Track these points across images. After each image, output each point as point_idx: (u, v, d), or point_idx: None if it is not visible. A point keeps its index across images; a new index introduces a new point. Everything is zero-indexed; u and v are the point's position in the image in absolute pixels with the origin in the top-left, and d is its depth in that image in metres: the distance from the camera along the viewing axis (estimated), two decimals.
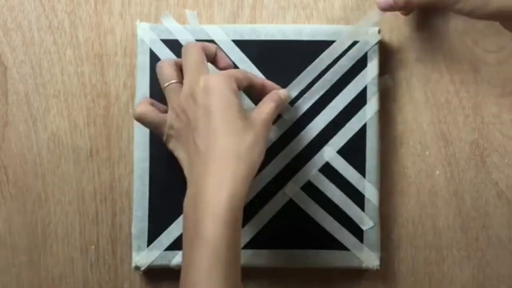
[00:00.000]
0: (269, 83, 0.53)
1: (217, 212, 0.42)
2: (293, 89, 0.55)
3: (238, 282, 0.44)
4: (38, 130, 0.57)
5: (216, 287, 0.42)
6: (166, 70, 0.49)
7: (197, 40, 0.55)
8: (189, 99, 0.46)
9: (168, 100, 0.49)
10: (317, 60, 0.55)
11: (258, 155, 0.45)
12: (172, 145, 0.49)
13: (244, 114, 0.46)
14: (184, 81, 0.48)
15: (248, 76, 0.50)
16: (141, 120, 0.50)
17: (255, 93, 0.52)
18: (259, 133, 0.46)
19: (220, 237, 0.42)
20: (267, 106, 0.48)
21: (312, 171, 0.55)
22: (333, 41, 0.55)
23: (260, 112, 0.48)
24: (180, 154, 0.48)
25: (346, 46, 0.55)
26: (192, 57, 0.48)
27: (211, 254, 0.42)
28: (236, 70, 0.51)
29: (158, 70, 0.50)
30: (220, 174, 0.43)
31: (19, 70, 0.57)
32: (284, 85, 0.54)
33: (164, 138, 0.49)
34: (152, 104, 0.51)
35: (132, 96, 0.56)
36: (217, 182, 0.43)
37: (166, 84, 0.49)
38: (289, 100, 0.54)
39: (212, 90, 0.45)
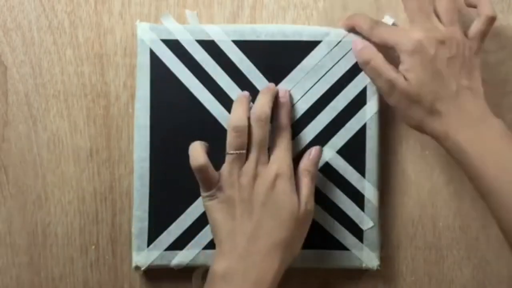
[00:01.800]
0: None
1: None
2: (294, 87, 0.55)
3: None
4: (38, 130, 0.57)
5: None
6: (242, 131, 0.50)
7: (196, 41, 0.55)
8: (252, 179, 0.49)
9: (227, 165, 0.50)
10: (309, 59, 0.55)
11: (297, 248, 0.50)
12: (212, 205, 0.50)
13: (295, 217, 0.49)
14: (251, 156, 0.50)
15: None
16: (200, 172, 0.49)
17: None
18: (301, 225, 0.50)
19: None
20: (304, 189, 0.51)
21: None
22: (332, 42, 0.55)
23: (301, 200, 0.50)
24: (218, 216, 0.49)
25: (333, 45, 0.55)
26: (258, 133, 0.50)
27: None
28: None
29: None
30: (260, 268, 0.47)
31: (19, 70, 0.57)
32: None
33: (207, 194, 0.50)
34: (206, 152, 0.50)
35: (132, 96, 0.56)
36: (255, 275, 0.47)
37: (232, 152, 0.50)
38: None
39: (277, 190, 0.49)
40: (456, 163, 0.51)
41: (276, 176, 0.49)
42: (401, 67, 0.50)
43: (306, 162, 0.52)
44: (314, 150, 0.53)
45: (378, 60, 0.52)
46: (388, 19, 0.56)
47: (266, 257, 0.47)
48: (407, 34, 0.50)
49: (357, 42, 0.54)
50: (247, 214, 0.48)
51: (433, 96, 0.50)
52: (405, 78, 0.50)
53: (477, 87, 0.51)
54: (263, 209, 0.48)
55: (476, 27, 0.51)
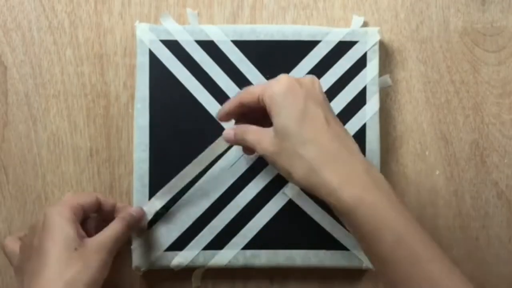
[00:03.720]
0: (120, 205, 0.53)
1: None
2: None
3: None
4: (38, 130, 0.57)
5: None
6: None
7: (196, 41, 0.55)
8: (30, 235, 0.49)
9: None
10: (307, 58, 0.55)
11: (85, 283, 0.46)
12: (17, 278, 0.49)
13: (76, 244, 0.47)
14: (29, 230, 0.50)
15: (95, 201, 0.51)
16: (4, 251, 0.51)
17: (104, 216, 0.53)
18: (89, 261, 0.47)
19: None
20: (110, 230, 0.49)
21: None
22: (332, 42, 0.55)
23: (100, 237, 0.49)
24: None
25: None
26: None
27: None
28: (80, 197, 0.51)
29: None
30: None
31: (19, 70, 0.57)
32: None
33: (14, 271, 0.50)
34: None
35: (132, 96, 0.56)
36: None
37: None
38: (143, 217, 0.54)
39: (46, 225, 0.47)
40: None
41: (44, 217, 0.48)
42: None
43: (132, 208, 0.53)
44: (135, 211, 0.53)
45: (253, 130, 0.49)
46: (357, 20, 0.56)
47: None
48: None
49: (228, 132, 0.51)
50: (26, 268, 0.48)
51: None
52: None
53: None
54: (36, 257, 0.48)
55: None
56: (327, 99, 0.47)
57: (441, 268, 0.41)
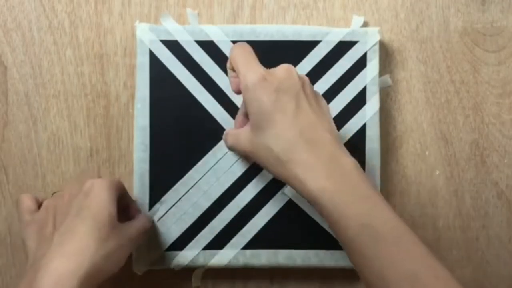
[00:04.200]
0: (135, 206, 0.54)
1: None
2: None
3: None
4: (38, 130, 0.57)
5: None
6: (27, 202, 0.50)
7: (196, 41, 0.55)
8: (66, 197, 0.49)
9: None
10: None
11: (113, 264, 0.46)
12: (26, 233, 0.49)
13: (114, 223, 0.47)
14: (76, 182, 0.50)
15: (125, 190, 0.52)
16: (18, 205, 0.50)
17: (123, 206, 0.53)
18: (121, 245, 0.47)
19: None
20: (139, 222, 0.51)
21: None
22: (332, 42, 0.55)
23: (132, 227, 0.49)
24: (30, 243, 0.48)
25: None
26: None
27: None
28: (121, 182, 0.51)
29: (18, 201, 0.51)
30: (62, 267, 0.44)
31: (19, 70, 0.57)
32: None
33: (21, 225, 0.49)
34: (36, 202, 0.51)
35: (132, 96, 0.56)
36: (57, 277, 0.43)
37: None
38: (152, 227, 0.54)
39: (93, 194, 0.47)
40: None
41: (91, 186, 0.48)
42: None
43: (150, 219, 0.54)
44: None
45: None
46: (357, 20, 0.56)
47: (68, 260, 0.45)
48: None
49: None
50: (58, 229, 0.47)
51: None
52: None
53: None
54: (73, 219, 0.47)
55: None
56: (308, 84, 0.47)
57: (407, 246, 0.41)
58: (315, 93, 0.48)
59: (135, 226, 0.50)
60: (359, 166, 0.45)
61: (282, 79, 0.46)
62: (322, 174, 0.43)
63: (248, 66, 0.46)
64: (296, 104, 0.45)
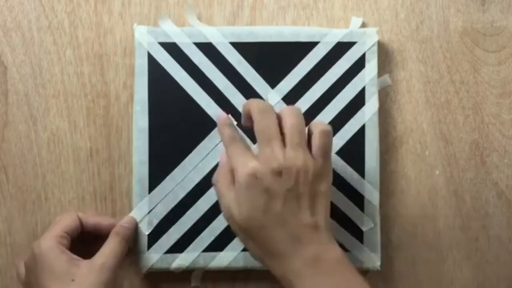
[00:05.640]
0: (106, 220, 0.53)
1: None
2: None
3: None
4: (38, 130, 0.57)
5: None
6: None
7: (194, 43, 0.55)
8: (27, 272, 0.49)
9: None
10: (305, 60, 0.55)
11: None
12: None
13: (71, 275, 0.47)
14: None
15: (78, 222, 0.51)
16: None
17: (98, 233, 0.52)
18: (91, 286, 0.47)
19: None
20: (107, 247, 0.50)
21: None
22: (331, 43, 0.55)
23: (98, 257, 0.49)
24: None
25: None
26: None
27: None
28: (62, 223, 0.51)
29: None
30: None
31: (19, 70, 0.57)
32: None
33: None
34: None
35: (132, 96, 0.56)
36: None
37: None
38: (136, 225, 0.54)
39: (39, 257, 0.48)
40: None
41: (34, 250, 0.49)
42: (234, 198, 0.46)
43: (123, 220, 0.54)
44: None
45: (222, 183, 0.48)
46: (355, 20, 0.56)
47: None
48: (245, 163, 0.45)
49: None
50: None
51: (265, 235, 0.45)
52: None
53: (321, 220, 0.46)
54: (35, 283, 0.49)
55: (314, 144, 0.47)
56: (309, 175, 0.46)
57: None
58: (315, 189, 0.46)
59: (104, 253, 0.49)
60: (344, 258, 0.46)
61: (271, 182, 0.44)
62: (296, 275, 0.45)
63: (239, 163, 0.46)
64: (280, 206, 0.45)
